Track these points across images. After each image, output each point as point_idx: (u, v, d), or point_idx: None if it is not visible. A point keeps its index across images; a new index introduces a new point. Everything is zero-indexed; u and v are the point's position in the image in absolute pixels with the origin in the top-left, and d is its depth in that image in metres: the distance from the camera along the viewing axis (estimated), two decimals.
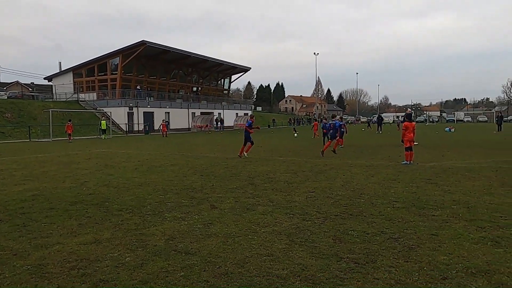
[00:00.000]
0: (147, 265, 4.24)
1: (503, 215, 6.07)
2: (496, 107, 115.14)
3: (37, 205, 7.25)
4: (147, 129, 45.05)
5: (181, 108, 54.25)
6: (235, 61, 70.18)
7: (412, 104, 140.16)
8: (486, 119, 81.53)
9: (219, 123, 57.07)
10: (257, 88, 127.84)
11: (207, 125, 54.90)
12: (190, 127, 54.31)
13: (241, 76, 72.23)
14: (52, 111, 35.22)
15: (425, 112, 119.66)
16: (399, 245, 4.78)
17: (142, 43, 46.05)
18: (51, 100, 50.06)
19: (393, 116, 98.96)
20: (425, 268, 4.05)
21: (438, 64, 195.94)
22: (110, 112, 42.74)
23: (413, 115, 21.87)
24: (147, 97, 50.17)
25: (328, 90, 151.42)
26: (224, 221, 6.03)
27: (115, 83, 48.87)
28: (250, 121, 16.11)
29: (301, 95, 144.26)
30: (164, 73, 56.63)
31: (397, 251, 4.59)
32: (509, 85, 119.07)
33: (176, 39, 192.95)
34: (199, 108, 58.27)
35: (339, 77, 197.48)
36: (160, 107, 50.78)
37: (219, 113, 61.42)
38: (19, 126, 36.95)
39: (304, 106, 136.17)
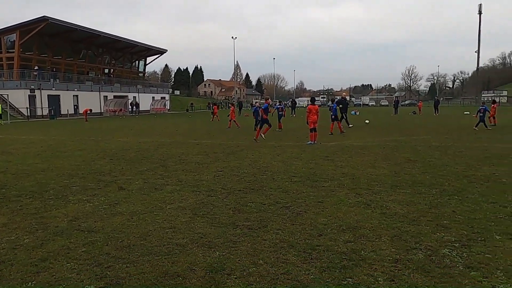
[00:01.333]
0: (47, 245, 4.29)
1: (378, 183, 7.14)
2: (397, 93, 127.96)
3: None
4: (52, 113, 41.55)
5: (92, 91, 50.92)
6: (152, 43, 67.29)
7: (325, 89, 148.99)
8: (387, 103, 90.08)
9: (134, 107, 54.89)
10: (175, 71, 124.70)
11: (121, 109, 52.50)
12: (102, 111, 51.34)
13: (157, 58, 69.95)
14: None
15: (336, 96, 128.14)
16: (289, 212, 5.44)
17: (44, 19, 41.95)
18: None
19: (307, 100, 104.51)
20: (306, 229, 4.73)
21: (348, 52, 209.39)
22: (7, 95, 38.49)
23: (348, 100, 23.38)
24: (51, 79, 46.11)
25: (247, 75, 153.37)
26: (131, 200, 6.19)
27: (12, 62, 44.01)
28: (266, 104, 16.29)
29: (220, 79, 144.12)
30: (71, 53, 52.36)
31: (287, 217, 5.24)
32: (407, 73, 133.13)
33: (87, 16, 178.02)
34: (112, 91, 55.22)
35: (257, 62, 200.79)
36: (67, 90, 47.09)
37: (134, 97, 58.91)
38: None
39: (223, 90, 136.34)
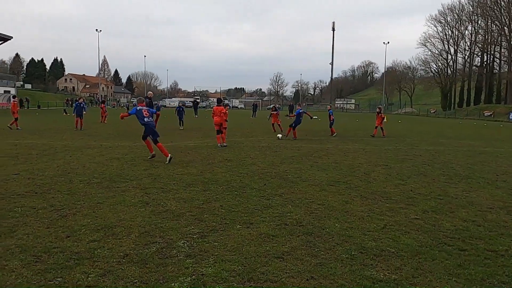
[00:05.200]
0: None
1: (176, 182, 7.40)
2: (266, 97, 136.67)
3: None
4: None
5: None
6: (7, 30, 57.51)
7: (200, 91, 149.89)
8: (243, 106, 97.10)
9: None
10: (28, 62, 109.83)
11: None
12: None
13: None
14: None
15: (210, 98, 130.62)
16: (55, 214, 5.23)
17: None
18: None
19: (178, 101, 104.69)
20: (59, 231, 4.59)
21: (221, 59, 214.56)
22: None
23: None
24: None
25: (116, 71, 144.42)
26: None
27: None
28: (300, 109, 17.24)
29: (84, 74, 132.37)
30: None
31: (49, 220, 5.01)
32: (275, 79, 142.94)
33: None
34: None
35: (128, 59, 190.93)
36: None
37: None
38: None
39: (88, 86, 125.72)
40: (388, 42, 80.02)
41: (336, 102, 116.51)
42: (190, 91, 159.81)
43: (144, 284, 3.37)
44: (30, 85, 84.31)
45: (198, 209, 5.63)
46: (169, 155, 9.60)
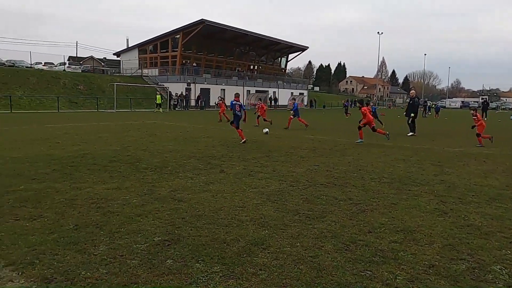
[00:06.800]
0: (146, 205, 5.54)
1: (476, 194, 6.52)
2: None
3: (84, 161, 8.95)
4: (202, 104, 47.33)
5: (237, 85, 55.89)
6: (304, 41, 69.55)
7: (489, 89, 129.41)
8: None
9: (272, 101, 58.03)
10: (317, 67, 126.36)
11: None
12: (244, 104, 55.91)
13: (298, 55, 72.05)
14: (117, 84, 38.58)
15: (502, 98, 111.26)
16: (355, 209, 5.60)
17: (201, 21, 47.92)
18: (118, 74, 54.25)
19: (460, 101, 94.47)
20: (361, 225, 4.87)
21: None
22: (168, 87, 45.37)
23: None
24: (204, 74, 52.44)
25: (393, 72, 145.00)
26: (224, 182, 7.18)
27: (175, 59, 51.63)
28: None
29: (363, 76, 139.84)
30: (221, 51, 58.46)
31: (350, 212, 5.42)
32: None
33: (237, 17, 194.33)
34: (255, 86, 59.55)
35: (407, 58, 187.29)
36: (217, 84, 52.86)
37: (274, 92, 62.28)
38: (90, 98, 40.95)
39: (365, 87, 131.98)
40: None
41: None
42: (475, 89, 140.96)
43: None
44: (318, 87, 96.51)
45: None
46: (245, 138, 12.99)
